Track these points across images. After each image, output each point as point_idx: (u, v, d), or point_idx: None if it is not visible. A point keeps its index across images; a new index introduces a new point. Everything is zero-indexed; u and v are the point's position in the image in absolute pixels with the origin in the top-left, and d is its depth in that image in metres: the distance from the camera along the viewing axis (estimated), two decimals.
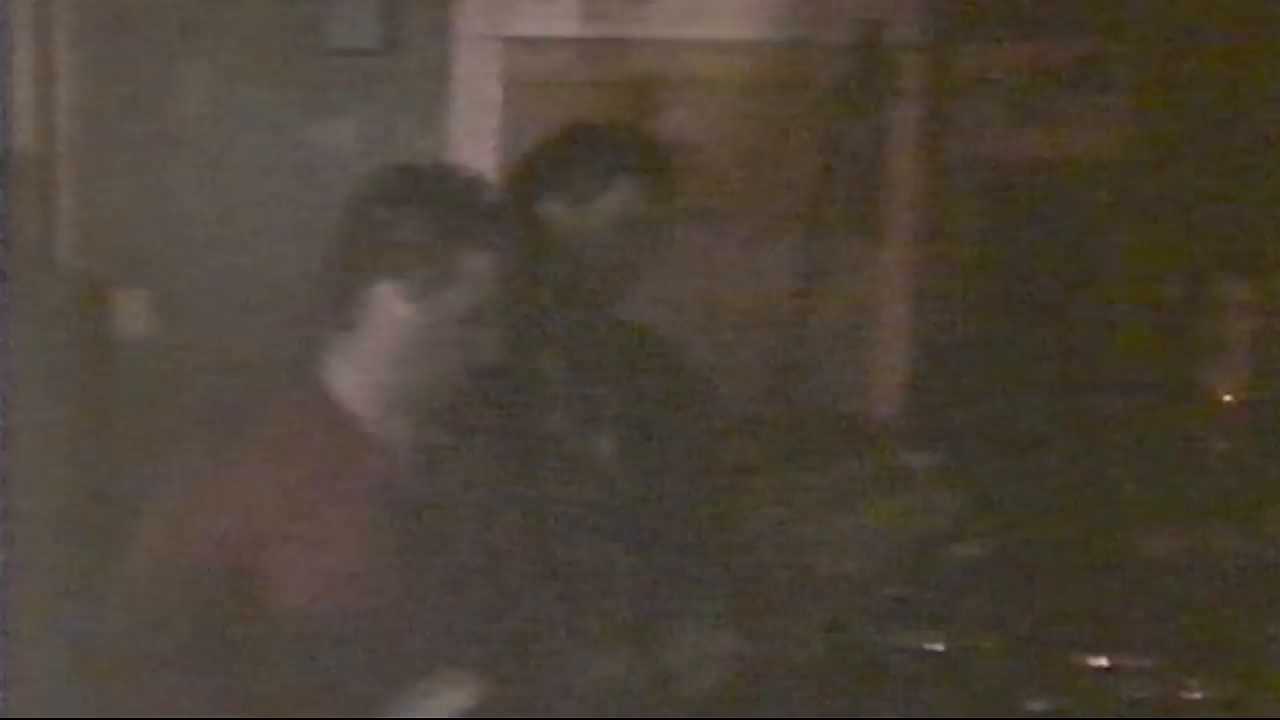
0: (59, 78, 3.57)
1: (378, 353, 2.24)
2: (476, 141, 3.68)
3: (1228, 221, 3.52)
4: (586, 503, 2.55)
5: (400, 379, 2.26)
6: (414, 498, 2.29)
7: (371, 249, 2.21)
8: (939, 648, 2.56)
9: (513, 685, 2.23)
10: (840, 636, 2.59)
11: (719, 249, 3.71)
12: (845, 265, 3.69)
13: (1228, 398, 3.16)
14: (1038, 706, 2.50)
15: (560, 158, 2.62)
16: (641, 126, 3.19)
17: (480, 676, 2.16)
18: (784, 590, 2.64)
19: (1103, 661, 2.58)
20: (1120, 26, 3.64)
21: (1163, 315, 3.11)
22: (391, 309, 2.21)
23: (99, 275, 3.63)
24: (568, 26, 3.76)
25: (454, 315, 2.22)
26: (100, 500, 3.22)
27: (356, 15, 3.71)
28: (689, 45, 3.74)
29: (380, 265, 2.21)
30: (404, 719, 2.14)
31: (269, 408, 2.29)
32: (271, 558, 2.19)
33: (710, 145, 3.64)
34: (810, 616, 2.61)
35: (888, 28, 3.55)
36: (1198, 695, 2.52)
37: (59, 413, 3.22)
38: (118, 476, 3.38)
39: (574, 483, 2.55)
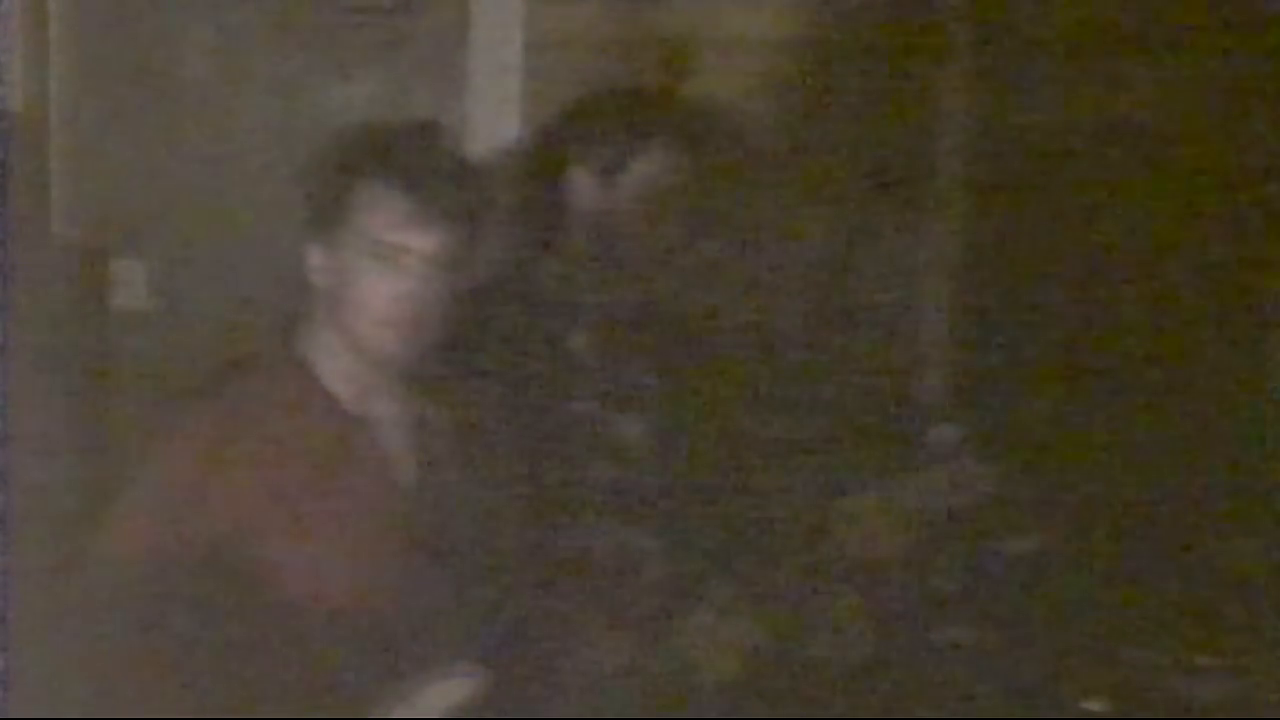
0: (54, 39, 3.57)
1: (331, 315, 2.26)
2: (498, 105, 3.63)
3: None
4: (611, 486, 2.53)
5: (357, 343, 2.25)
6: (405, 480, 2.28)
7: (306, 208, 2.30)
8: (975, 641, 2.62)
9: (518, 676, 2.23)
10: (880, 629, 2.56)
11: (754, 219, 3.62)
12: (888, 235, 3.64)
13: None
14: (1095, 706, 2.51)
15: (587, 124, 2.58)
16: (674, 89, 3.11)
17: (483, 667, 2.13)
18: (816, 577, 2.59)
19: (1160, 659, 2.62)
20: None
21: (1233, 297, 3.02)
22: (317, 262, 2.27)
23: (95, 246, 3.62)
24: None
25: (357, 266, 2.22)
26: (97, 474, 3.20)
27: None
28: (723, 1, 3.67)
29: (308, 221, 2.28)
30: (408, 715, 2.12)
31: (252, 387, 2.29)
32: (261, 545, 2.18)
33: (747, 108, 3.57)
34: (841, 604, 2.57)
35: None
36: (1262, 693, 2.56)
37: (54, 385, 3.22)
38: (114, 451, 3.37)
39: (599, 465, 2.53)
